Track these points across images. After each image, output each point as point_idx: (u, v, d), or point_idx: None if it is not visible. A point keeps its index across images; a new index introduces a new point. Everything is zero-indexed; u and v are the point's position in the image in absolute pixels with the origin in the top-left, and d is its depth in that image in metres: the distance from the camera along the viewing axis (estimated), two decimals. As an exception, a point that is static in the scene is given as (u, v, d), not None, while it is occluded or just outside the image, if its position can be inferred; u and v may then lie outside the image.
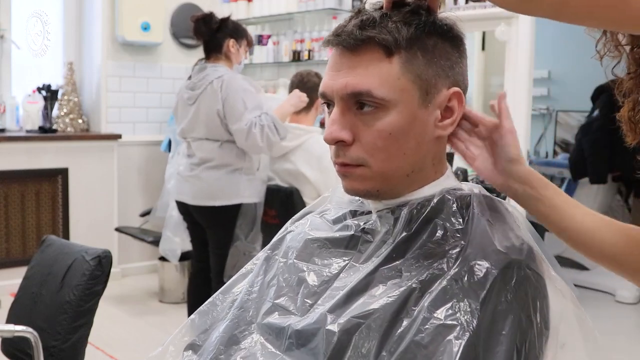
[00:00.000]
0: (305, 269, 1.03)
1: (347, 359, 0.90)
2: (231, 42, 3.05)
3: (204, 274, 3.27)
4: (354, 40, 0.95)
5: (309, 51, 4.39)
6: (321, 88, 1.00)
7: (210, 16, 3.07)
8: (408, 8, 0.97)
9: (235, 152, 3.03)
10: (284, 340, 0.97)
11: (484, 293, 0.87)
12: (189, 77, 3.15)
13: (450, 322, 0.86)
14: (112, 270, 1.89)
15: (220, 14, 4.81)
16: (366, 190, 1.00)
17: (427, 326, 0.86)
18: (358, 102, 0.96)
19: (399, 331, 0.88)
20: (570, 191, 4.78)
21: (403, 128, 0.96)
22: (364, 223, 1.03)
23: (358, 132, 0.97)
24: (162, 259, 4.31)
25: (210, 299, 1.17)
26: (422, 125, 0.97)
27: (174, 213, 3.73)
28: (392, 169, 0.97)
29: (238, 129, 2.91)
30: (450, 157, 3.45)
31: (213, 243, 3.16)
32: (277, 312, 1.01)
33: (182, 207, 3.23)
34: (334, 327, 0.91)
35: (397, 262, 0.94)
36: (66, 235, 4.39)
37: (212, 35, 3.04)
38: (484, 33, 4.92)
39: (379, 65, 0.95)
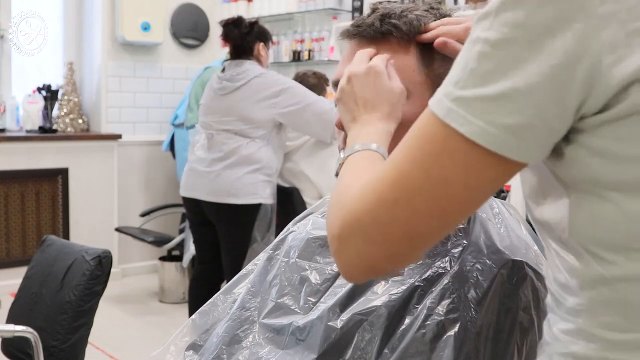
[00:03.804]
0: (307, 267, 1.03)
1: (349, 355, 0.90)
2: (261, 45, 3.05)
3: (207, 276, 3.24)
4: (374, 31, 0.96)
5: (309, 51, 4.39)
6: (334, 77, 1.01)
7: (240, 20, 3.06)
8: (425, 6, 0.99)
9: (264, 150, 2.99)
10: (286, 336, 0.97)
11: (485, 291, 0.88)
12: (222, 70, 3.11)
13: (451, 319, 0.86)
14: (112, 270, 1.89)
15: (220, 14, 4.83)
16: None
17: (428, 322, 0.87)
18: None
19: (401, 329, 0.89)
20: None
21: (413, 119, 0.96)
22: None
23: None
24: (162, 258, 4.31)
25: (211, 299, 1.17)
26: None
27: None
28: None
29: (325, 110, 2.95)
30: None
31: (229, 243, 3.08)
32: (279, 311, 1.02)
33: (192, 205, 3.14)
34: (336, 324, 0.92)
35: None
36: (66, 235, 4.38)
37: (243, 39, 3.03)
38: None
39: (395, 56, 0.96)
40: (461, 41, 0.95)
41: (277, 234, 3.38)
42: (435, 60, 0.97)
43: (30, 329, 1.74)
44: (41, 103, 4.43)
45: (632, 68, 0.58)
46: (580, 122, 0.63)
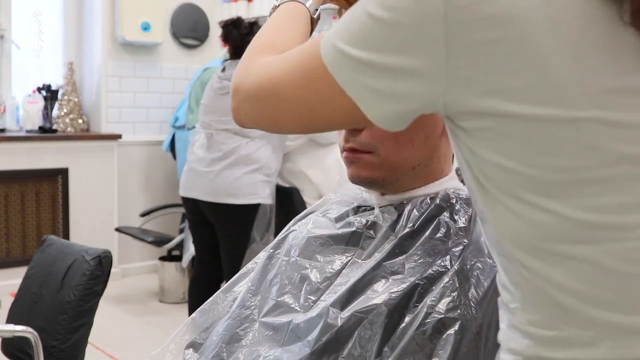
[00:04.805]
0: (307, 266, 1.03)
1: (349, 353, 0.90)
2: None
3: (207, 276, 3.24)
4: None
5: (309, 51, 4.39)
6: None
7: (239, 21, 3.07)
8: None
9: (263, 150, 2.99)
10: (285, 334, 0.97)
11: (486, 289, 0.88)
12: (223, 69, 3.12)
13: (451, 318, 0.86)
14: (112, 270, 1.89)
15: (220, 14, 4.83)
16: (372, 178, 1.00)
17: (428, 320, 0.87)
18: None
19: (401, 327, 0.89)
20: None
21: (414, 118, 0.96)
22: (367, 219, 1.03)
23: None
24: (162, 258, 4.31)
25: (211, 298, 1.17)
26: (432, 119, 0.98)
27: None
28: (399, 158, 0.98)
29: None
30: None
31: (228, 243, 3.09)
32: (279, 310, 1.01)
33: (191, 205, 3.14)
34: (336, 322, 0.92)
35: (400, 258, 0.95)
36: (66, 235, 4.38)
37: (243, 40, 3.03)
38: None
39: None
40: None
41: (276, 234, 3.40)
42: None
43: (30, 329, 1.74)
44: (41, 103, 4.43)
45: (473, 76, 0.63)
46: (453, 121, 0.68)
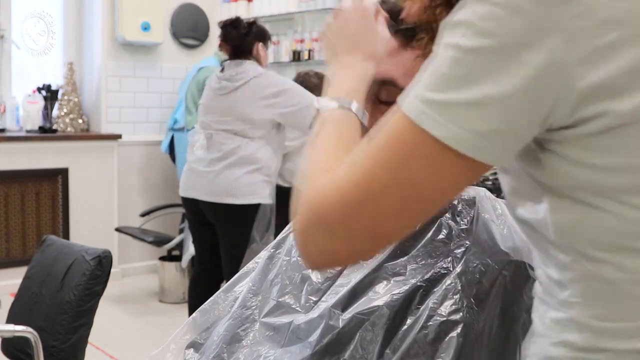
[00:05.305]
0: None
1: (350, 355, 0.90)
2: (260, 45, 3.05)
3: (207, 276, 3.24)
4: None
5: (309, 51, 4.39)
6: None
7: (238, 21, 3.07)
8: None
9: (263, 151, 2.99)
10: (286, 334, 0.97)
11: (488, 292, 0.88)
12: (222, 70, 3.12)
13: (453, 320, 0.86)
14: (112, 270, 1.89)
15: (220, 14, 4.83)
16: None
17: (430, 323, 0.87)
18: (377, 93, 0.96)
19: (402, 329, 0.88)
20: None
21: None
22: None
23: (374, 121, 0.97)
24: (162, 258, 4.31)
25: (212, 298, 1.17)
26: None
27: None
28: None
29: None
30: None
31: (228, 243, 3.09)
32: (280, 310, 1.01)
33: (191, 205, 3.14)
34: (338, 323, 0.91)
35: (402, 259, 0.94)
36: (66, 235, 4.38)
37: (242, 40, 3.03)
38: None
39: (403, 56, 0.95)
40: None
41: (276, 234, 3.36)
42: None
43: (30, 329, 1.74)
44: (41, 103, 4.43)
45: (594, 81, 0.61)
46: (555, 133, 0.65)
